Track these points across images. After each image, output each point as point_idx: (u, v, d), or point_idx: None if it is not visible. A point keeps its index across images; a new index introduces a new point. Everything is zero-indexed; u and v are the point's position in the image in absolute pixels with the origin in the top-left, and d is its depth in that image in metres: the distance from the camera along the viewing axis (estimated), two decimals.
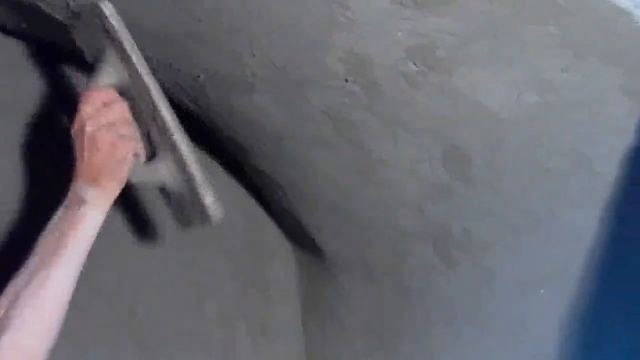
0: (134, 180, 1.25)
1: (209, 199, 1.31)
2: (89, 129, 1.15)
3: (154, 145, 1.31)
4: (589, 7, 1.04)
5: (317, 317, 2.45)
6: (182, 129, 1.27)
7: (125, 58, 1.23)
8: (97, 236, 1.18)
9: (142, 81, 1.23)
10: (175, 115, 1.26)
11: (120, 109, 1.21)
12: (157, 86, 1.25)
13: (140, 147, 1.28)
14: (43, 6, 1.35)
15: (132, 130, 1.23)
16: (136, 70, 1.23)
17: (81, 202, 1.15)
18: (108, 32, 1.22)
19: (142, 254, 2.12)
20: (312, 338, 2.48)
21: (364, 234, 1.92)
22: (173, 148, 1.26)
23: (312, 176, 1.78)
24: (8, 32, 1.75)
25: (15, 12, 1.50)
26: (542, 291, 1.61)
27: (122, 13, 1.27)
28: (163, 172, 1.30)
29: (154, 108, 1.25)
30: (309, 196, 1.93)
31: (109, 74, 1.26)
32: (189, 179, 1.30)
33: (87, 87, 1.24)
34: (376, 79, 1.32)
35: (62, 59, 1.86)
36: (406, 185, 1.61)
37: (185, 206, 1.37)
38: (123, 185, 1.20)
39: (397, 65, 1.28)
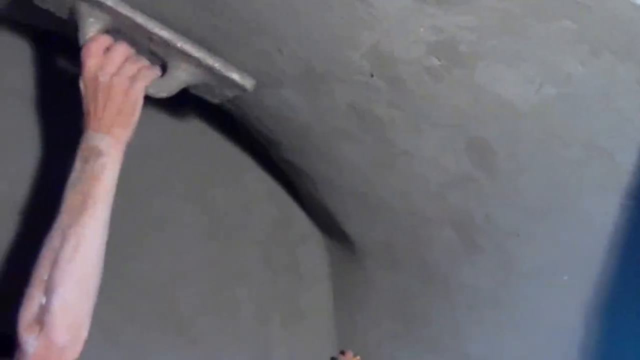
0: (160, 94, 1.29)
1: (235, 75, 1.35)
2: (102, 79, 1.19)
3: (163, 60, 1.33)
4: (605, 3, 1.05)
5: (346, 301, 2.47)
6: (180, 35, 1.29)
7: (96, 2, 1.24)
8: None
9: (122, 13, 1.26)
10: (167, 27, 1.29)
11: (121, 50, 1.25)
12: (138, 11, 1.27)
13: (152, 73, 1.30)
14: None
15: (138, 66, 1.27)
16: (111, 7, 1.25)
17: (99, 153, 1.17)
18: None
19: (176, 245, 2.15)
20: (342, 322, 2.49)
21: (389, 221, 1.94)
22: (182, 53, 1.29)
23: (339, 167, 1.80)
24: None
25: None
26: (565, 277, 1.62)
27: (154, 14, 1.30)
28: (182, 76, 1.33)
29: (148, 31, 1.27)
30: (336, 186, 1.95)
31: (91, 24, 1.27)
32: (209, 70, 1.33)
33: (82, 43, 1.26)
34: (400, 74, 1.34)
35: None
36: (430, 174, 1.62)
37: (215, 89, 1.42)
38: (134, 128, 1.24)
39: (420, 60, 1.29)
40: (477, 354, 1.91)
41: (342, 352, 2.39)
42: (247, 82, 1.39)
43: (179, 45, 1.28)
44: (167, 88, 1.32)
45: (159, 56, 1.33)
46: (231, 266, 2.28)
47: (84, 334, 1.13)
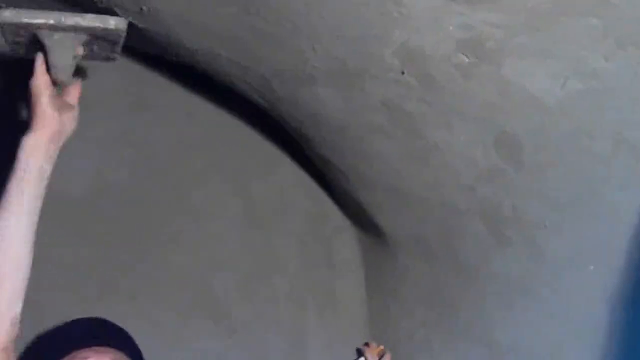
0: (63, 71, 1.33)
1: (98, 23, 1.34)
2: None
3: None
4: None
5: (378, 291, 2.49)
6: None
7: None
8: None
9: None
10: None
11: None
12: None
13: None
14: None
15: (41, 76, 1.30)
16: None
17: (19, 154, 1.21)
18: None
19: (215, 236, 2.18)
20: (375, 311, 2.51)
21: (420, 213, 1.96)
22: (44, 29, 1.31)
23: (371, 161, 1.83)
24: None
25: None
26: (591, 267, 1.62)
27: (194, 19, 1.34)
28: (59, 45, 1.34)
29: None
30: (369, 179, 1.98)
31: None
32: (74, 29, 1.34)
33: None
34: (430, 71, 1.36)
35: None
36: (460, 168, 1.64)
37: (98, 47, 1.43)
38: (50, 121, 1.25)
39: (450, 57, 1.31)
40: (507, 342, 1.92)
41: (367, 344, 2.41)
42: (113, 24, 1.37)
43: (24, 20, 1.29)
44: (57, 63, 1.34)
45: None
46: (268, 256, 2.31)
47: None
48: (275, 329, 2.27)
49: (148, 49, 1.72)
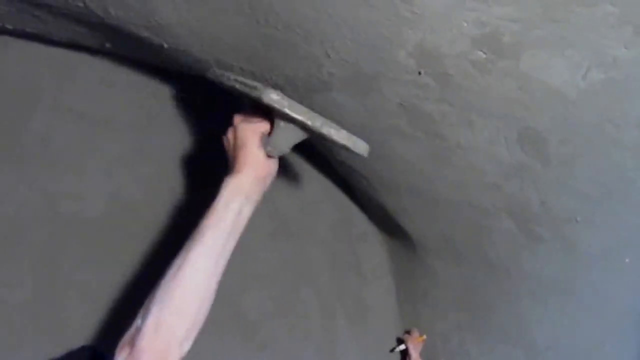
0: (272, 153, 1.37)
1: (343, 140, 1.39)
2: (229, 135, 1.38)
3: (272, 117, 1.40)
4: None
5: (409, 296, 2.49)
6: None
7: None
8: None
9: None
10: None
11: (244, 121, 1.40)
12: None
13: (266, 126, 1.39)
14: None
15: (254, 120, 1.39)
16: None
17: (220, 188, 1.28)
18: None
19: (241, 251, 2.18)
20: (406, 316, 2.51)
21: (446, 214, 1.95)
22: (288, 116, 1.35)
23: (392, 164, 1.82)
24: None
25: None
26: (627, 260, 1.61)
27: (205, 30, 1.35)
28: (287, 135, 1.39)
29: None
30: (391, 183, 1.97)
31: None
32: (312, 132, 1.40)
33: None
34: (447, 69, 1.35)
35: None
36: (484, 166, 1.63)
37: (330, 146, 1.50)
38: (259, 164, 1.32)
39: (466, 54, 1.31)
40: (544, 341, 1.91)
41: (408, 332, 2.42)
42: (359, 148, 1.44)
43: (265, 99, 1.32)
44: (278, 145, 1.39)
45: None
46: (296, 267, 2.31)
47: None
48: (306, 341, 2.27)
49: (162, 64, 1.73)
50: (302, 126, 1.37)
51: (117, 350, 1.13)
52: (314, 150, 2.16)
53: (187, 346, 1.17)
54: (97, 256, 1.85)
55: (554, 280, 1.79)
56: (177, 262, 1.18)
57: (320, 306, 2.34)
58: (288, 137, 1.40)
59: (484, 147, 1.57)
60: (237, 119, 1.41)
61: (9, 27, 1.57)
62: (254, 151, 1.32)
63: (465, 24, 1.23)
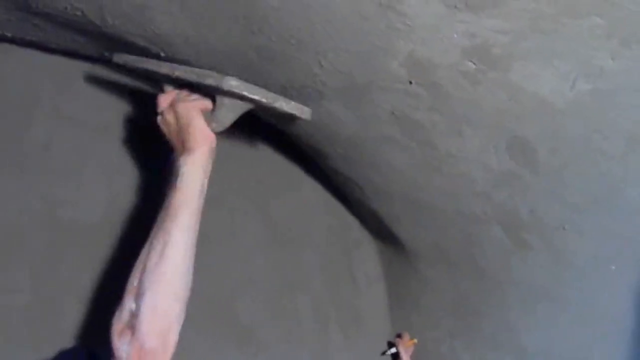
0: (216, 129, 1.39)
1: (280, 104, 1.45)
2: (166, 116, 1.38)
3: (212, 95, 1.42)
4: None
5: (401, 302, 2.48)
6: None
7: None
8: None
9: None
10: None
11: (172, 94, 1.43)
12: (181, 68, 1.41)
13: (206, 102, 1.41)
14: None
15: (189, 97, 1.41)
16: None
17: (177, 168, 1.29)
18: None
19: (238, 256, 2.17)
20: (398, 322, 2.50)
21: (438, 222, 1.94)
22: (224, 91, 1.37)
23: (385, 173, 1.81)
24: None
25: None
26: (613, 267, 1.60)
27: (201, 40, 1.34)
28: (229, 109, 1.42)
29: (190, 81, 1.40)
30: (384, 191, 1.96)
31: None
32: (251, 102, 1.42)
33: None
34: (438, 80, 1.35)
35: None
36: (474, 175, 1.62)
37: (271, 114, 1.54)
38: (208, 138, 1.34)
39: (457, 65, 1.30)
40: (534, 347, 1.90)
41: (399, 335, 2.40)
42: (303, 113, 1.50)
43: (224, 87, 1.35)
44: (222, 120, 1.41)
45: (208, 92, 1.42)
46: (291, 273, 2.30)
47: (174, 337, 1.16)
48: (300, 346, 2.25)
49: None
50: (257, 104, 1.41)
51: (115, 335, 1.14)
52: (307, 156, 2.15)
53: (182, 319, 1.19)
54: (94, 261, 1.83)
55: (543, 288, 1.78)
56: (158, 245, 1.20)
57: (314, 311, 2.33)
58: (232, 111, 1.42)
59: (474, 156, 1.56)
60: (167, 98, 1.43)
61: (9, 35, 1.56)
62: (201, 127, 1.33)
63: (456, 36, 1.22)
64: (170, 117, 1.38)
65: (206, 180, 1.32)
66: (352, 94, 1.46)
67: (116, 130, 1.94)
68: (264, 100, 1.39)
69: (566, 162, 1.44)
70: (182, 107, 1.36)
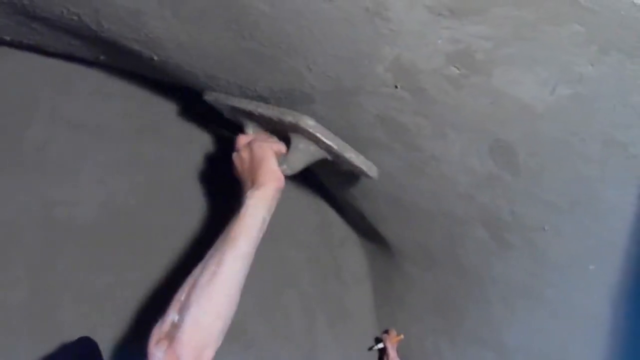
0: (286, 172, 1.47)
1: (354, 159, 1.52)
2: (242, 154, 1.48)
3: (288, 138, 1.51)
4: (610, 5, 1.06)
5: (386, 299, 2.49)
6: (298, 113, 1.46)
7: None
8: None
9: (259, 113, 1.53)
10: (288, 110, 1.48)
11: (254, 138, 1.53)
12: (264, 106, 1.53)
13: (280, 146, 1.51)
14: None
15: (267, 139, 1.51)
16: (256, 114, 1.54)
17: (244, 201, 1.35)
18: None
19: None
20: (384, 319, 2.51)
21: (422, 222, 1.95)
22: (304, 132, 1.45)
23: None
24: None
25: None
26: (591, 267, 1.61)
27: (193, 44, 1.34)
28: (303, 152, 1.49)
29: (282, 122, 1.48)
30: (370, 191, 1.97)
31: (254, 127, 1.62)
32: (328, 151, 1.49)
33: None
34: (422, 84, 1.35)
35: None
36: (458, 177, 1.64)
37: (340, 165, 1.57)
38: (278, 178, 1.42)
39: (440, 70, 1.31)
40: (514, 343, 1.91)
41: (386, 331, 2.41)
42: (370, 171, 1.57)
43: (301, 125, 1.43)
44: (294, 164, 1.49)
45: (284, 135, 1.52)
46: (278, 270, 2.31)
47: (209, 355, 1.17)
48: (288, 342, 2.26)
49: (154, 75, 1.73)
50: (327, 149, 1.46)
51: (152, 343, 1.15)
52: None
53: (220, 340, 1.21)
54: (90, 260, 1.84)
55: (523, 286, 1.79)
56: (212, 266, 1.23)
57: (302, 308, 2.33)
58: (304, 157, 1.49)
59: (457, 158, 1.57)
60: (246, 139, 1.53)
61: (8, 38, 1.57)
62: (273, 167, 1.41)
63: (440, 41, 1.23)
64: (245, 155, 1.46)
65: (268, 218, 1.37)
66: (339, 98, 1.47)
67: (112, 132, 1.94)
68: (335, 147, 1.45)
69: (546, 164, 1.45)
70: (258, 146, 1.44)
